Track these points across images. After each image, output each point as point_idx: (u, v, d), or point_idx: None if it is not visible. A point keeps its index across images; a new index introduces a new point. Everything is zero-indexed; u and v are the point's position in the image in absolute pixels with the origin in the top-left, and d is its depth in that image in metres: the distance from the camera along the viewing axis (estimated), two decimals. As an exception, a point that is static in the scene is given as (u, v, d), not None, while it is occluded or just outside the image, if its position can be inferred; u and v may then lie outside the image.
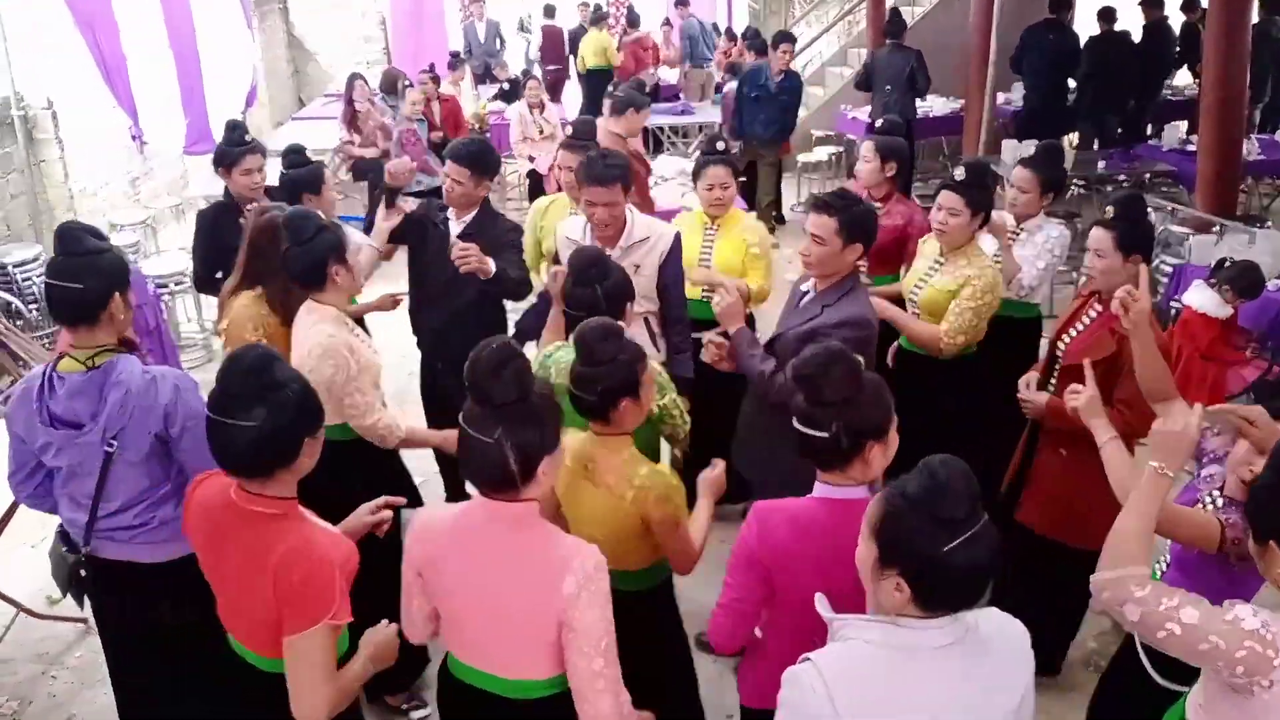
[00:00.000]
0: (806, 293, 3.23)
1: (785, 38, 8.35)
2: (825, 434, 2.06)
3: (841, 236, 3.01)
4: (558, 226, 3.89)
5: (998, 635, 1.77)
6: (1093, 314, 3.28)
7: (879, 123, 4.69)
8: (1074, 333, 3.33)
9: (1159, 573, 2.55)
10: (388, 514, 2.53)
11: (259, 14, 11.70)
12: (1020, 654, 1.78)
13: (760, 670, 2.23)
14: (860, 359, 2.17)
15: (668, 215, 4.70)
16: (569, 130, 4.68)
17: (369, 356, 3.10)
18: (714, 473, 2.69)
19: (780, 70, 8.16)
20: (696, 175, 4.24)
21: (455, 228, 3.88)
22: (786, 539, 2.09)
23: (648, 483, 2.40)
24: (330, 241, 3.02)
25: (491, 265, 3.66)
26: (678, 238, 3.69)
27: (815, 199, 3.14)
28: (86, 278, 2.60)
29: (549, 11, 12.76)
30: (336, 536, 2.19)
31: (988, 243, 4.06)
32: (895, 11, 9.64)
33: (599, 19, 10.38)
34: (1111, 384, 3.03)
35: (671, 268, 3.64)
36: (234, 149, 4.30)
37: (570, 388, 2.44)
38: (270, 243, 3.27)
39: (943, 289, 3.67)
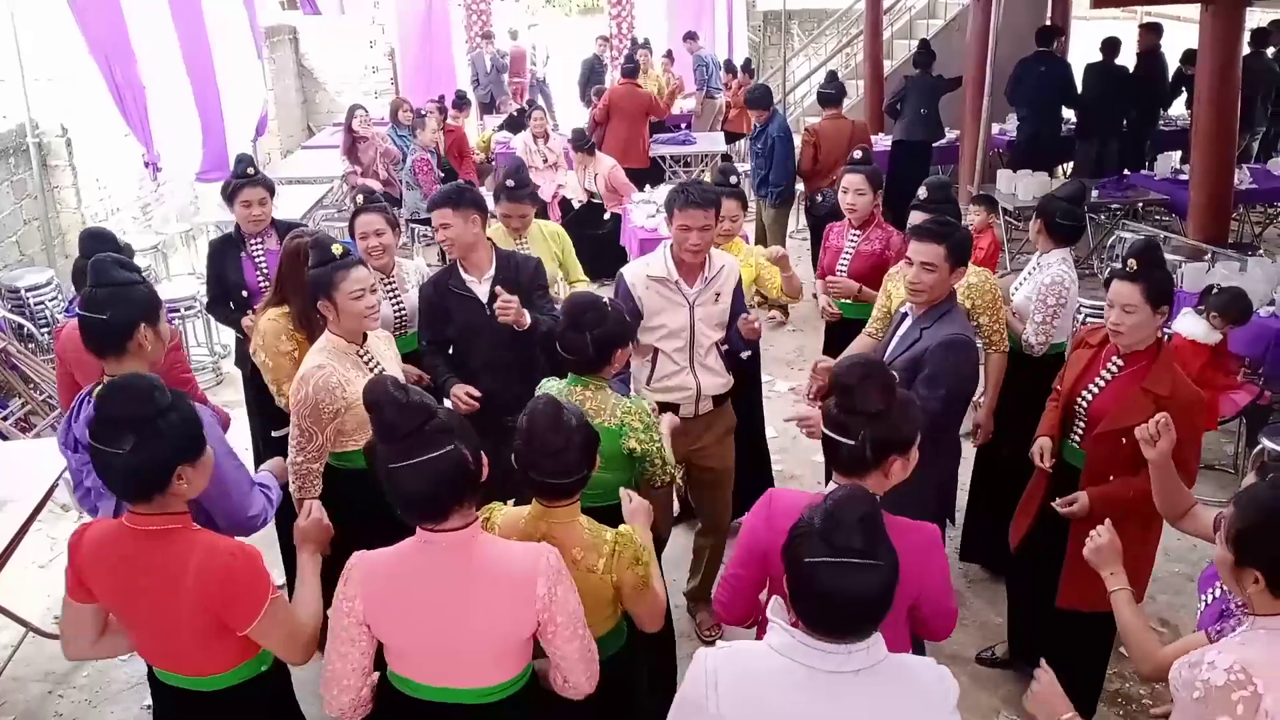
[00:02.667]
0: (905, 315, 3.33)
1: (754, 105, 7.68)
2: (853, 442, 2.12)
3: (950, 262, 3.17)
4: (626, 270, 3.73)
5: (910, 682, 1.78)
6: (1113, 369, 3.12)
7: (856, 154, 4.73)
8: (1094, 389, 3.15)
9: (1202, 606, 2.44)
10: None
11: (269, 44, 11.90)
12: (931, 708, 1.78)
13: None
14: (895, 376, 2.23)
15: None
16: (506, 180, 4.51)
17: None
18: (631, 505, 2.62)
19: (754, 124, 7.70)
20: None
21: (482, 287, 3.80)
22: (790, 525, 2.17)
23: (618, 546, 2.34)
24: (141, 300, 2.77)
25: (527, 318, 3.68)
26: (735, 265, 3.77)
27: (918, 229, 3.25)
28: (112, 309, 2.67)
29: (513, 34, 13.82)
30: (232, 539, 2.26)
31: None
32: (924, 42, 9.83)
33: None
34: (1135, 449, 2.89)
35: (741, 294, 3.75)
36: (234, 180, 4.40)
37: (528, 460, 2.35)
38: (295, 266, 3.47)
39: None
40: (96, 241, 3.65)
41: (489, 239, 3.94)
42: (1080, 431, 3.22)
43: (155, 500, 2.14)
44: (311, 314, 3.37)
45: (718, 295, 3.63)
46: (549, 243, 4.60)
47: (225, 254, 4.41)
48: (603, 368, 2.94)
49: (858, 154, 4.74)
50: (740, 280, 3.76)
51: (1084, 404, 3.17)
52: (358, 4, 14.35)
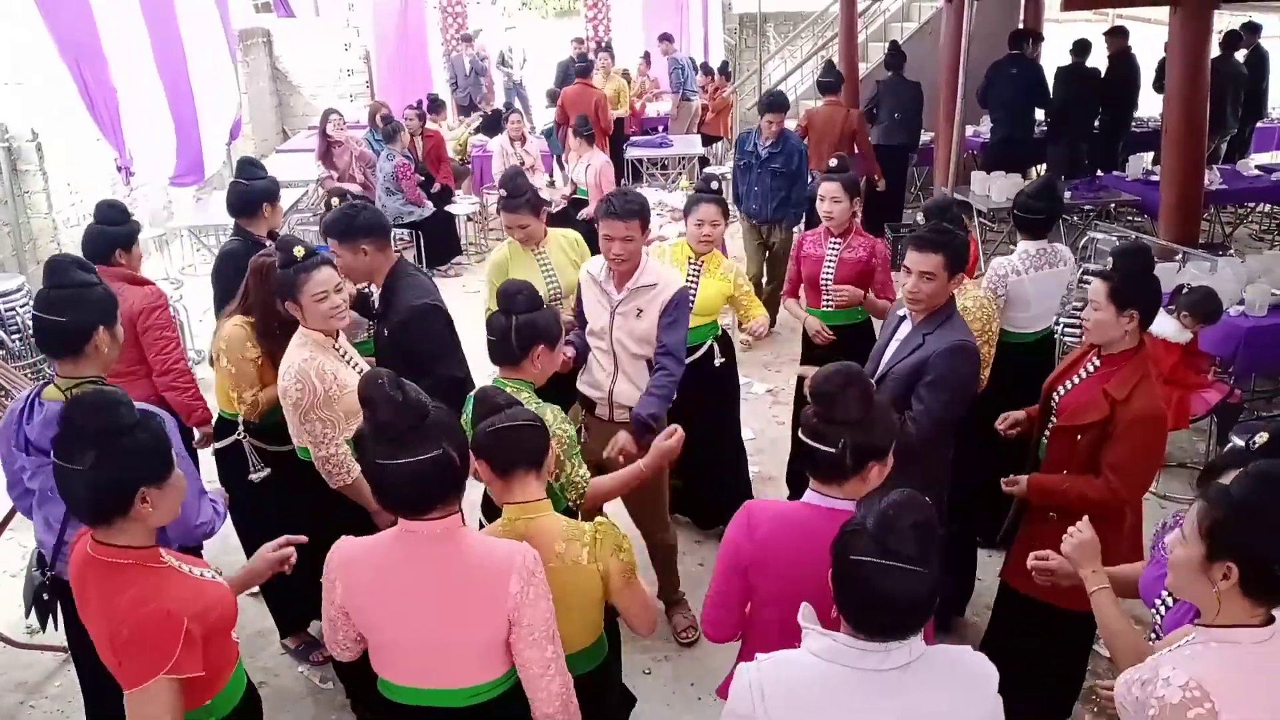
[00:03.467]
0: (903, 318, 3.34)
1: (771, 108, 6.84)
2: (833, 450, 2.14)
3: (948, 270, 3.16)
4: (586, 264, 3.89)
5: (953, 672, 1.80)
6: (1090, 368, 3.13)
7: (832, 162, 4.71)
8: (1070, 385, 3.19)
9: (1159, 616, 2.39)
10: (291, 551, 2.51)
11: (243, 47, 11.82)
12: (976, 693, 1.80)
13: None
14: (873, 384, 2.24)
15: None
16: (501, 189, 4.50)
17: (352, 384, 3.10)
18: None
19: (769, 137, 6.83)
20: (688, 211, 4.39)
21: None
22: (771, 536, 2.18)
23: (598, 534, 2.34)
24: (101, 301, 2.74)
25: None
26: (683, 294, 3.69)
27: (916, 238, 3.22)
28: (70, 311, 2.65)
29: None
30: (201, 586, 2.12)
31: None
32: (895, 44, 9.90)
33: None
34: (1099, 448, 2.97)
35: (669, 319, 3.62)
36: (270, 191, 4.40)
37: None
38: (259, 283, 3.46)
39: None
40: (113, 210, 4.06)
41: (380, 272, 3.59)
42: (1051, 426, 3.27)
43: (116, 524, 2.03)
44: (272, 328, 3.41)
45: (639, 311, 3.61)
46: (568, 252, 4.53)
47: (237, 262, 4.33)
48: (523, 361, 2.90)
49: (833, 161, 4.71)
50: (678, 304, 3.64)
51: (1056, 399, 3.22)
52: (332, 6, 14.29)
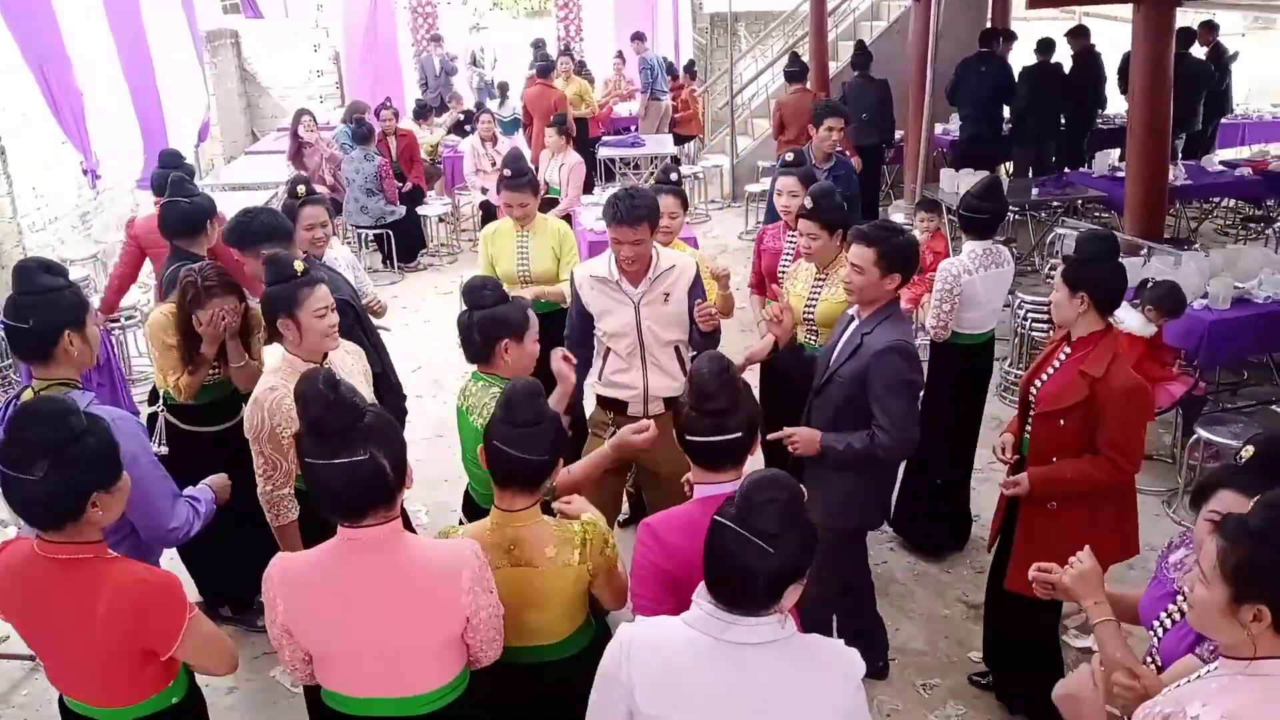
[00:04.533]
0: (852, 319, 3.36)
1: (831, 112, 5.72)
2: (739, 434, 2.28)
3: (880, 267, 3.15)
4: (575, 270, 3.83)
5: (812, 660, 1.84)
6: (1063, 356, 3.18)
7: (789, 156, 4.73)
8: (1044, 378, 3.23)
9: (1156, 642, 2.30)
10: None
11: (211, 48, 11.71)
12: (834, 683, 1.82)
13: None
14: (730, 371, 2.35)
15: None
16: (504, 169, 4.81)
17: None
18: (571, 506, 2.54)
19: (827, 154, 5.68)
20: None
21: None
22: (684, 545, 2.20)
23: (588, 535, 2.35)
24: (71, 304, 2.74)
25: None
26: (698, 268, 3.75)
27: (854, 230, 3.27)
28: (35, 316, 2.63)
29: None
30: (152, 569, 2.22)
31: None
32: (860, 44, 9.99)
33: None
34: (1092, 430, 3.01)
35: (697, 294, 3.67)
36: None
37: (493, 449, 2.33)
38: (180, 298, 3.65)
39: (835, 301, 3.85)
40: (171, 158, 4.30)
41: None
42: (1032, 416, 3.30)
43: (68, 528, 2.07)
44: (194, 332, 3.61)
45: (666, 296, 3.61)
46: (550, 236, 4.77)
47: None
48: (491, 356, 2.89)
49: (789, 156, 4.73)
50: (698, 278, 3.70)
51: (1034, 392, 3.27)
52: (301, 7, 14.16)
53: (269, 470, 3.05)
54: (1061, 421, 3.08)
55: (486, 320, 2.87)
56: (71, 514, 2.05)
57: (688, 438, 2.31)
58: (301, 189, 4.08)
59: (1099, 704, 1.97)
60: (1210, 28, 10.37)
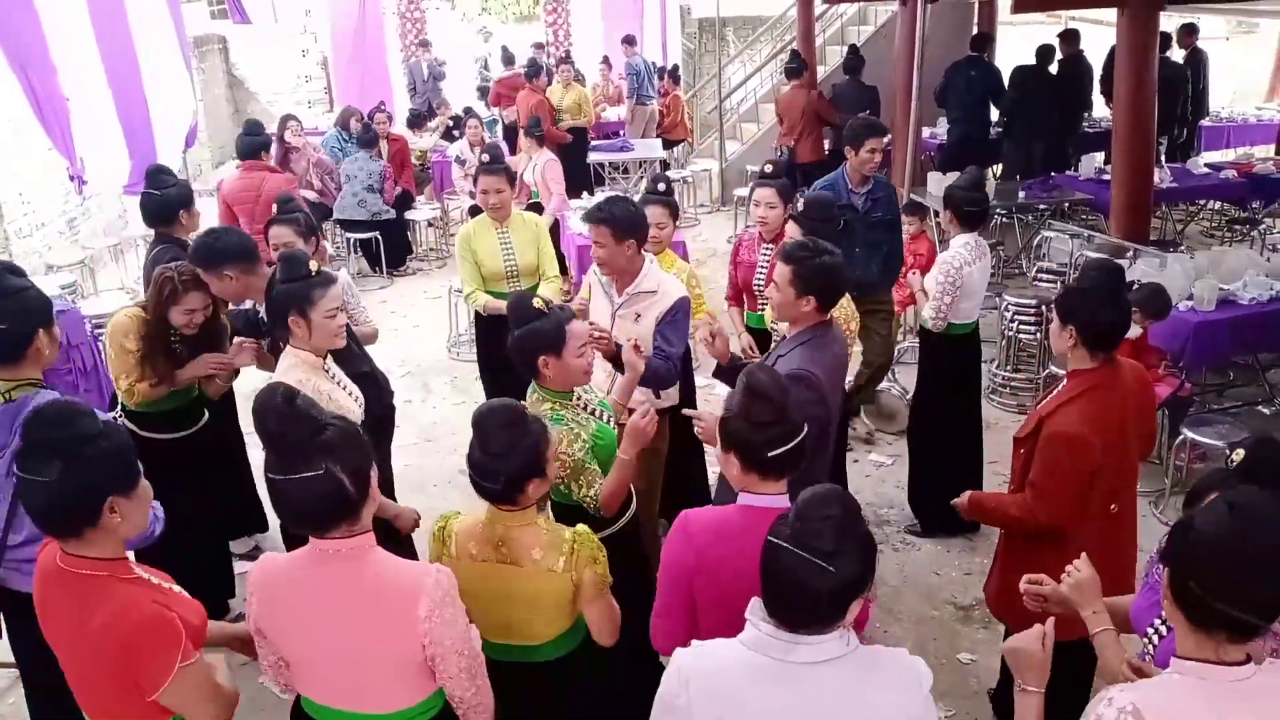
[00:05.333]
0: (784, 337, 3.30)
1: (872, 131, 5.03)
2: (800, 439, 2.22)
3: (795, 287, 2.97)
4: (593, 267, 3.90)
5: (880, 672, 1.80)
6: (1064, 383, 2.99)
7: (767, 167, 4.74)
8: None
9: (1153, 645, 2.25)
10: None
11: (198, 53, 11.70)
12: (903, 694, 1.79)
13: None
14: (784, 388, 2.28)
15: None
16: (481, 156, 5.13)
17: (345, 405, 3.11)
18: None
19: (865, 177, 5.09)
20: None
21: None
22: (710, 543, 2.19)
23: (576, 544, 2.33)
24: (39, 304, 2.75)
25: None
26: (685, 303, 3.67)
27: (782, 244, 3.22)
28: (10, 319, 2.64)
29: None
30: (173, 598, 2.12)
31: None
32: (854, 48, 10.09)
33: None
34: (1028, 465, 2.90)
35: (668, 330, 3.61)
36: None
37: (472, 475, 2.34)
38: (157, 294, 3.61)
39: None
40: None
41: None
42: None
43: (86, 535, 2.01)
44: (162, 340, 3.59)
45: (638, 316, 3.63)
46: (528, 229, 4.92)
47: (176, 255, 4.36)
48: (537, 374, 2.88)
49: (768, 168, 4.74)
50: (677, 316, 3.64)
51: None
52: (289, 12, 14.15)
53: None
54: (1021, 451, 2.98)
55: (520, 340, 2.84)
56: (89, 519, 2.00)
57: (744, 444, 2.22)
58: (274, 209, 4.13)
59: (1044, 665, 1.99)
60: (1190, 30, 10.43)
